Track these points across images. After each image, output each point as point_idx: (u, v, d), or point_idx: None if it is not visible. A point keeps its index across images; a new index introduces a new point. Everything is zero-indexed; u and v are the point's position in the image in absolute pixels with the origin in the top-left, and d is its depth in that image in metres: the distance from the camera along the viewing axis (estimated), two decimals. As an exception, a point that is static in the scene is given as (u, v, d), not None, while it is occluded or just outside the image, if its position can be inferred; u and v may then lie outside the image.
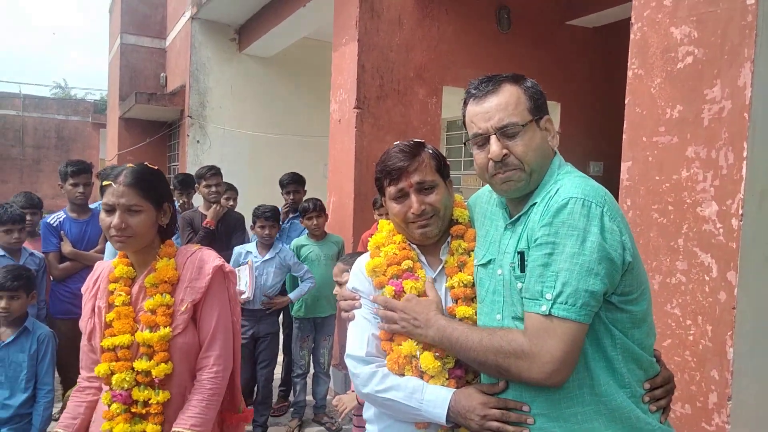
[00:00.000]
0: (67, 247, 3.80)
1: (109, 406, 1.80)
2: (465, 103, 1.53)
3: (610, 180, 2.59)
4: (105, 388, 1.85)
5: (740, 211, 2.14)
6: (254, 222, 4.08)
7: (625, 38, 2.68)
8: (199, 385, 1.84)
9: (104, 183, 1.80)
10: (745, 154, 2.13)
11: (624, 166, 2.58)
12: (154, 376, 1.79)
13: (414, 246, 1.65)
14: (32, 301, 3.07)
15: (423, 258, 1.65)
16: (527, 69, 5.89)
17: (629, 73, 2.60)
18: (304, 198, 4.68)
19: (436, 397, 1.45)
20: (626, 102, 2.60)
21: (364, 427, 2.31)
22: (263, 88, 9.31)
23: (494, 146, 1.41)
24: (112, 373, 1.79)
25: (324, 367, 4.43)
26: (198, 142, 8.99)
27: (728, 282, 2.17)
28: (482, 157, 1.46)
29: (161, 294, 1.82)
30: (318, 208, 4.31)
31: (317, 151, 8.54)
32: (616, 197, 2.08)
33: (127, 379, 1.78)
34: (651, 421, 1.35)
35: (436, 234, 1.62)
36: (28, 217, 3.87)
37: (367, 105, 5.01)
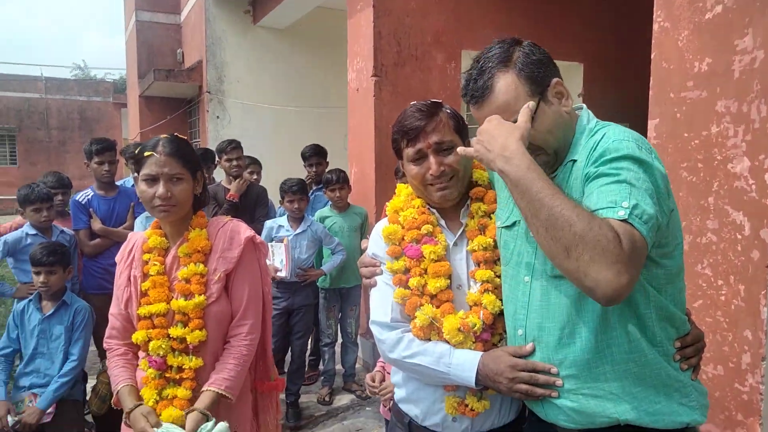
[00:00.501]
0: (96, 224, 3.88)
1: (146, 371, 1.87)
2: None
3: (638, 140, 2.53)
4: (141, 354, 1.92)
5: (773, 166, 2.07)
6: (282, 197, 4.10)
7: (651, -9, 2.58)
8: (233, 350, 1.89)
9: (146, 154, 1.82)
10: (779, 106, 2.05)
11: (651, 123, 2.51)
12: (188, 343, 1.84)
13: (433, 209, 1.63)
14: (68, 276, 3.17)
15: (443, 222, 1.63)
16: (547, 30, 5.74)
17: (654, 27, 2.51)
18: (327, 169, 4.68)
19: (464, 361, 1.45)
20: (652, 57, 2.52)
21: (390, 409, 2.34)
22: (280, 60, 9.24)
23: None
24: (149, 340, 1.85)
25: (352, 337, 4.50)
26: (218, 117, 9.01)
27: (761, 240, 2.12)
28: None
29: (195, 263, 1.86)
30: (341, 180, 4.31)
31: (337, 122, 8.49)
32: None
33: (163, 345, 1.84)
34: (682, 378, 1.34)
35: (456, 196, 1.59)
36: (58, 197, 3.95)
37: (384, 72, 4.94)
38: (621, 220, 1.14)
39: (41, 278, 2.98)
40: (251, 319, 1.92)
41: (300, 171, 5.03)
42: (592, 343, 1.31)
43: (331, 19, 8.57)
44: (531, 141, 1.32)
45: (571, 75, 6.03)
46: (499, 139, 1.27)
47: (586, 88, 6.02)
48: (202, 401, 1.79)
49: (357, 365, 4.59)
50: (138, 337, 1.86)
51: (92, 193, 3.98)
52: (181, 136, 1.95)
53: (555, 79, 1.39)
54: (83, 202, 3.92)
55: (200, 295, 1.84)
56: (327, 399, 4.31)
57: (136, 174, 1.89)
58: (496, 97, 1.35)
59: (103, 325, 3.52)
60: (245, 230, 1.96)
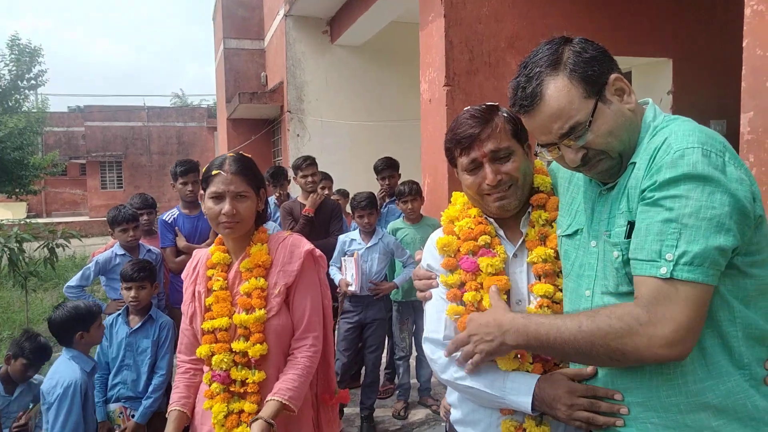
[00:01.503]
0: (181, 242, 4.07)
1: (210, 385, 1.90)
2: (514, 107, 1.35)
3: (736, 138, 2.28)
4: (205, 368, 1.95)
5: None
6: (353, 212, 4.12)
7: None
8: (296, 362, 1.90)
9: (213, 172, 1.88)
10: None
11: (744, 117, 2.27)
12: (250, 357, 1.86)
13: (491, 219, 1.53)
14: (155, 292, 3.34)
15: (501, 232, 1.52)
16: (631, 25, 5.42)
17: (747, 11, 2.28)
18: (399, 181, 4.66)
19: (520, 385, 1.35)
20: (744, 45, 2.28)
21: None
22: (357, 76, 9.42)
23: (568, 154, 1.25)
24: (212, 354, 1.89)
25: (427, 350, 4.40)
26: (298, 135, 9.29)
27: None
28: (560, 159, 1.31)
29: (256, 278, 1.89)
30: (413, 192, 4.27)
31: (413, 135, 8.46)
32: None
33: (226, 360, 1.87)
34: None
35: (516, 206, 1.48)
36: (144, 217, 4.19)
37: (457, 81, 4.87)
38: (664, 279, 1.10)
39: (132, 293, 3.16)
40: (314, 331, 1.93)
41: (374, 184, 5.04)
42: (661, 368, 1.17)
43: (405, 32, 8.62)
44: (591, 146, 1.23)
45: (659, 72, 5.66)
46: (489, 325, 1.32)
47: (677, 85, 5.61)
48: (266, 411, 1.79)
49: (432, 379, 4.48)
50: (202, 351, 1.90)
51: (178, 212, 4.19)
52: (246, 155, 2.00)
53: (613, 75, 1.25)
54: (169, 221, 4.13)
55: (261, 309, 1.87)
56: (402, 413, 4.24)
57: (202, 192, 1.95)
58: (547, 105, 1.24)
59: (186, 337, 3.71)
60: (305, 244, 1.98)
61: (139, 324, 3.20)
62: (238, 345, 1.86)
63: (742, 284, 1.15)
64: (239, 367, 1.88)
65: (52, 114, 27.02)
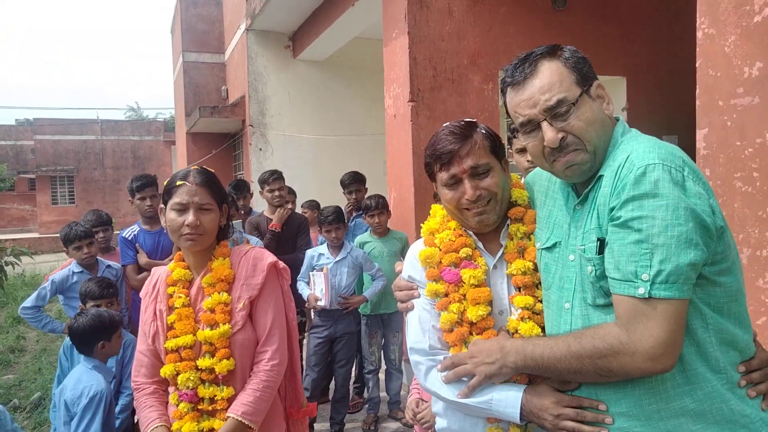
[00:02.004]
0: (143, 259, 3.97)
1: (177, 405, 1.85)
2: (503, 92, 1.41)
3: (688, 152, 2.39)
4: (171, 389, 1.90)
5: (839, 172, 1.93)
6: (320, 227, 4.12)
7: (691, 2, 2.49)
8: (254, 377, 1.87)
9: (178, 183, 1.85)
10: (840, 108, 1.92)
11: (699, 133, 2.39)
12: (217, 373, 1.82)
13: (470, 232, 1.56)
14: (117, 308, 3.23)
15: (480, 244, 1.55)
16: (587, 45, 5.65)
17: (699, 34, 2.41)
18: (366, 195, 4.68)
19: (507, 396, 1.37)
20: (698, 65, 2.41)
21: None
22: (319, 91, 9.43)
23: (548, 132, 1.29)
24: (178, 374, 1.84)
25: (395, 363, 4.42)
26: (260, 149, 9.21)
27: (829, 251, 1.96)
28: (536, 145, 1.34)
29: (219, 292, 1.87)
30: (380, 206, 4.30)
31: (376, 150, 8.54)
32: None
33: (192, 378, 1.83)
34: (749, 412, 1.21)
35: (495, 221, 1.52)
36: (100, 234, 4.08)
37: (421, 97, 4.95)
38: (642, 299, 1.15)
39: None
40: (275, 344, 1.89)
41: (342, 198, 5.05)
42: (643, 378, 1.21)
43: (368, 48, 8.71)
44: (571, 130, 1.28)
45: (614, 89, 5.89)
46: (492, 348, 1.37)
47: (631, 102, 5.85)
48: (223, 430, 1.78)
49: (402, 392, 4.49)
50: (166, 371, 1.85)
51: (138, 229, 4.09)
52: (209, 169, 1.98)
53: (597, 81, 1.35)
54: (129, 238, 4.03)
55: (225, 324, 1.84)
56: (372, 427, 4.22)
57: (162, 206, 1.91)
58: (540, 77, 1.31)
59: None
60: (268, 256, 1.96)
61: (102, 343, 3.10)
62: (204, 362, 1.82)
63: (712, 292, 1.21)
64: (206, 384, 1.84)
65: (-2, 127, 25.97)
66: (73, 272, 3.69)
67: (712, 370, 1.21)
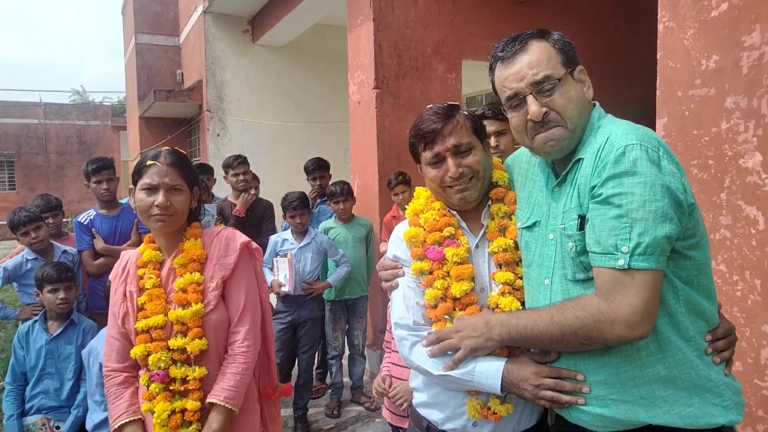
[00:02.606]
0: (99, 244, 3.84)
1: (148, 386, 1.83)
2: (492, 69, 1.47)
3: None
4: (142, 370, 1.87)
5: (786, 160, 2.06)
6: (284, 212, 4.08)
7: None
8: (231, 359, 1.86)
9: (149, 162, 1.82)
10: (789, 99, 2.05)
11: (659, 122, 2.51)
12: (189, 352, 1.81)
13: (454, 212, 1.61)
14: (76, 294, 3.13)
15: (463, 224, 1.60)
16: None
17: (659, 27, 2.52)
18: (330, 182, 4.67)
19: (488, 368, 1.42)
20: (658, 57, 2.52)
21: (392, 411, 2.30)
22: (279, 77, 9.30)
23: (533, 106, 1.36)
24: (148, 354, 1.82)
25: (359, 348, 4.45)
26: (218, 135, 9.03)
27: (777, 234, 2.10)
28: (519, 119, 1.41)
29: (191, 272, 1.85)
30: (345, 192, 4.30)
31: (337, 137, 8.52)
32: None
33: (163, 358, 1.81)
34: (714, 377, 1.30)
35: (476, 198, 1.57)
36: (50, 220, 3.92)
37: (386, 84, 4.97)
38: (621, 270, 1.22)
39: (60, 294, 2.95)
40: (247, 324, 1.89)
41: (301, 185, 5.01)
42: (620, 347, 1.29)
43: (330, 35, 8.64)
44: (554, 106, 1.35)
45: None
46: (478, 322, 1.42)
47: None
48: (215, 421, 1.77)
49: (365, 377, 4.53)
50: (137, 351, 1.82)
51: (95, 213, 3.95)
52: (180, 150, 1.95)
53: (580, 66, 1.42)
54: (85, 223, 3.89)
55: (197, 303, 1.83)
56: (335, 412, 4.25)
57: (132, 186, 1.88)
58: (529, 53, 1.38)
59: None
60: (240, 236, 1.95)
61: (60, 329, 3.00)
62: (175, 342, 1.80)
63: (683, 265, 1.29)
64: (178, 364, 1.82)
65: (-70, 108, 24.40)
66: (27, 259, 3.54)
67: (683, 339, 1.29)
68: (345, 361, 4.53)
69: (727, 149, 2.25)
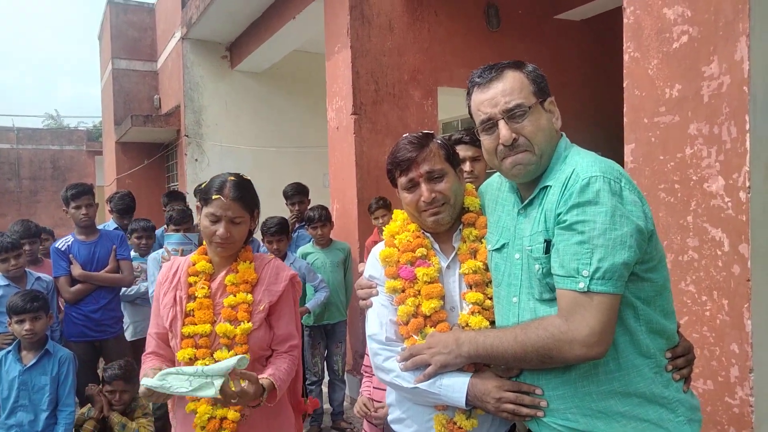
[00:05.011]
0: (76, 270, 3.80)
1: None
2: (469, 93, 1.56)
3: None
4: None
5: (747, 184, 2.16)
6: (263, 238, 4.09)
7: (614, 27, 2.72)
8: (283, 358, 2.01)
9: (213, 197, 1.93)
10: (747, 126, 2.15)
11: (627, 148, 2.60)
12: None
13: (428, 234, 1.68)
14: (50, 322, 3.09)
15: (436, 246, 1.67)
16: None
17: (625, 57, 2.63)
18: (309, 207, 4.70)
19: (454, 383, 1.48)
20: (624, 85, 2.63)
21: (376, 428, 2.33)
22: (258, 102, 9.35)
23: (503, 130, 1.44)
24: (193, 359, 1.91)
25: (339, 374, 4.43)
26: (196, 160, 9.00)
27: (741, 255, 2.19)
28: (491, 142, 1.49)
29: (243, 293, 1.99)
30: (323, 218, 4.33)
31: (315, 162, 8.56)
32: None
33: (208, 364, 1.85)
34: (667, 394, 1.37)
35: (448, 221, 1.65)
36: (26, 247, 3.88)
37: (364, 110, 5.05)
38: (581, 292, 1.29)
39: (26, 326, 2.91)
40: (293, 341, 2.05)
41: (280, 210, 5.03)
42: (578, 365, 1.36)
43: (308, 61, 8.75)
44: (523, 132, 1.43)
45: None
46: (448, 340, 1.49)
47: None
48: (257, 382, 1.83)
49: (345, 402, 4.50)
50: (183, 355, 1.92)
51: (72, 239, 3.92)
52: (245, 177, 2.05)
53: (551, 98, 1.51)
54: (63, 249, 3.85)
55: (247, 322, 1.95)
56: (317, 439, 4.21)
57: (198, 204, 2.02)
58: (504, 81, 1.46)
59: (83, 372, 3.46)
60: (288, 269, 2.13)
61: (35, 360, 2.96)
62: (221, 354, 1.90)
63: (641, 287, 1.37)
64: None
65: None
66: (0, 285, 3.48)
67: (642, 356, 1.37)
68: (325, 388, 4.50)
69: (692, 173, 2.35)
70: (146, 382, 1.69)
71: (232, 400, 1.74)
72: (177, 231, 3.81)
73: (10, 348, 3.01)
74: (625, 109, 2.63)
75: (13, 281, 3.53)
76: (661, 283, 1.41)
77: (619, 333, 1.34)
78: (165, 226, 4.07)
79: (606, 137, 5.08)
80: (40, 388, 2.89)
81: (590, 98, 6.37)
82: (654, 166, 2.50)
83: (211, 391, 1.64)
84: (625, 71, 2.63)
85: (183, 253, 3.46)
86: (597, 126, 6.19)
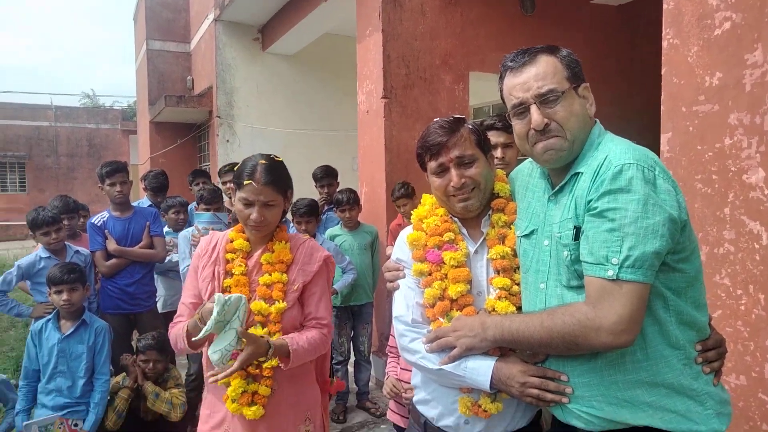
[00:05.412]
0: (111, 245, 3.92)
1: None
2: (501, 77, 1.54)
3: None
4: None
5: (788, 176, 2.10)
6: (293, 218, 4.14)
7: (652, 13, 2.64)
8: (315, 330, 2.04)
9: (245, 182, 1.96)
10: (791, 117, 2.09)
11: (664, 137, 2.55)
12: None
13: (455, 219, 1.68)
14: (87, 294, 3.20)
15: (464, 230, 1.68)
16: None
17: (664, 44, 2.57)
18: (338, 190, 4.73)
19: (480, 365, 1.49)
20: (662, 73, 2.57)
21: (399, 413, 2.36)
22: (288, 85, 9.40)
23: (535, 115, 1.43)
24: None
25: (364, 355, 4.49)
26: (227, 141, 9.12)
27: (778, 248, 2.14)
28: (522, 127, 1.48)
29: (279, 272, 2.03)
30: (351, 201, 4.36)
31: (344, 145, 8.59)
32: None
33: (243, 340, 1.92)
34: (696, 386, 1.36)
35: (477, 207, 1.64)
36: (66, 221, 4.01)
37: (394, 94, 5.03)
38: (610, 280, 1.28)
39: (64, 296, 3.02)
40: (325, 320, 2.09)
41: (309, 192, 5.07)
42: (604, 352, 1.35)
43: (339, 44, 8.73)
44: (555, 118, 1.41)
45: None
46: (474, 323, 1.50)
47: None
48: (271, 342, 1.89)
49: (370, 383, 4.56)
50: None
51: (108, 215, 4.03)
52: (277, 159, 2.07)
53: (585, 84, 1.48)
54: (99, 224, 3.97)
55: (282, 301, 2.00)
56: (341, 417, 4.28)
57: (233, 186, 2.05)
58: (536, 66, 1.44)
59: (118, 344, 3.59)
60: (322, 250, 2.16)
61: (72, 329, 3.07)
62: (255, 331, 1.94)
63: (672, 277, 1.35)
64: None
65: (-58, 109, 24.65)
66: (41, 257, 3.62)
67: (671, 347, 1.35)
68: (351, 368, 4.56)
69: (731, 165, 2.29)
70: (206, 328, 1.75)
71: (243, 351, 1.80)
72: (207, 210, 3.88)
73: (50, 317, 3.13)
74: (662, 98, 2.57)
75: (53, 254, 3.66)
76: (693, 274, 1.39)
77: (648, 323, 1.33)
78: (195, 204, 4.15)
79: (641, 126, 4.98)
80: (77, 356, 3.01)
81: (625, 86, 6.23)
82: (691, 156, 2.44)
83: (231, 335, 1.74)
84: (663, 58, 2.57)
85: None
86: (632, 114, 6.05)
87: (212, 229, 3.63)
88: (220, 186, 4.54)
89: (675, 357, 1.35)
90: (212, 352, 1.79)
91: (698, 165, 2.41)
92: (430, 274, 1.63)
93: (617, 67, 6.29)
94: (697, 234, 2.37)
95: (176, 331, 1.98)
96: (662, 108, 2.57)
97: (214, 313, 1.74)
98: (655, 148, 2.59)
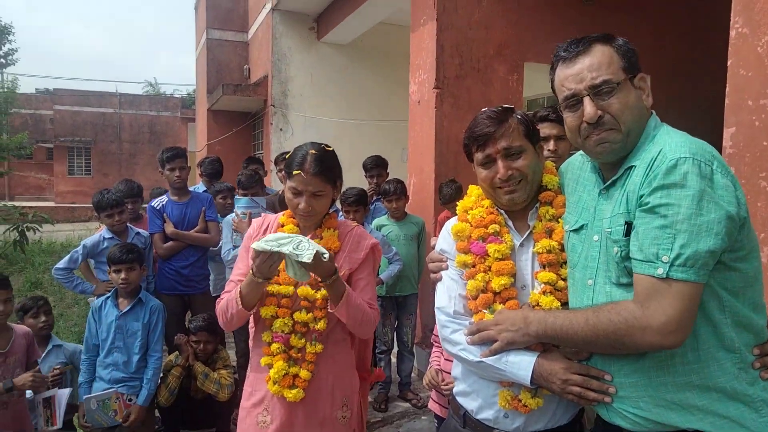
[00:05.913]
0: (169, 228, 4.08)
1: (270, 344, 2.02)
2: (553, 68, 1.50)
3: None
4: (266, 329, 2.06)
5: None
6: (342, 207, 4.19)
7: (719, 1, 2.51)
8: (366, 306, 2.04)
9: (294, 172, 1.98)
10: None
11: (727, 132, 2.43)
12: (311, 328, 1.99)
13: (501, 211, 1.66)
14: (144, 273, 3.35)
15: (510, 223, 1.65)
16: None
17: (732, 33, 2.44)
18: (386, 180, 4.75)
19: (521, 360, 1.47)
20: (729, 64, 2.45)
21: (440, 403, 2.37)
22: (342, 74, 9.48)
23: (588, 107, 1.38)
24: (274, 317, 2.01)
25: (408, 345, 4.51)
26: (281, 129, 9.30)
27: None
28: (574, 120, 1.44)
29: None
30: (398, 191, 4.36)
31: (395, 135, 8.60)
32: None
33: (288, 324, 2.00)
34: (751, 392, 1.30)
35: (524, 200, 1.61)
36: (129, 205, 4.20)
37: (446, 85, 4.99)
38: (660, 278, 1.23)
39: (122, 275, 3.17)
40: (374, 303, 2.09)
41: (358, 181, 5.12)
42: (653, 352, 1.31)
43: (392, 34, 8.72)
44: (609, 110, 1.37)
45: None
46: (517, 317, 1.48)
47: (654, 98, 5.85)
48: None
49: (413, 374, 4.58)
50: (267, 312, 2.01)
51: (167, 199, 4.20)
52: (327, 148, 2.08)
53: (641, 74, 1.43)
54: (158, 208, 4.14)
55: None
56: (383, 406, 4.32)
57: (282, 173, 2.04)
58: (591, 56, 1.40)
59: (172, 323, 3.74)
60: (370, 237, 2.17)
61: (129, 307, 3.22)
62: (300, 316, 1.99)
63: (728, 277, 1.29)
64: (298, 335, 2.01)
65: (18, 95, 26.13)
66: (104, 238, 3.81)
67: (726, 350, 1.29)
68: (393, 358, 4.60)
69: (799, 162, 2.17)
70: (256, 245, 1.78)
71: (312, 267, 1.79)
72: (245, 195, 3.97)
73: (109, 294, 3.30)
74: (727, 90, 2.45)
75: (116, 235, 3.84)
76: (752, 274, 1.32)
77: (700, 323, 1.28)
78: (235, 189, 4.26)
79: (703, 120, 4.75)
80: (133, 333, 3.17)
81: (689, 78, 5.96)
82: (756, 152, 2.32)
83: (308, 255, 1.73)
84: (730, 49, 2.45)
85: (251, 217, 3.63)
86: (694, 108, 5.79)
87: (250, 214, 3.73)
88: (275, 174, 4.63)
89: (729, 360, 1.29)
90: (291, 273, 1.81)
91: (763, 162, 2.29)
92: (473, 266, 1.62)
93: (681, 58, 6.02)
94: (759, 234, 2.27)
95: (227, 297, 2.00)
96: (726, 101, 2.45)
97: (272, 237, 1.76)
98: (717, 143, 2.47)
